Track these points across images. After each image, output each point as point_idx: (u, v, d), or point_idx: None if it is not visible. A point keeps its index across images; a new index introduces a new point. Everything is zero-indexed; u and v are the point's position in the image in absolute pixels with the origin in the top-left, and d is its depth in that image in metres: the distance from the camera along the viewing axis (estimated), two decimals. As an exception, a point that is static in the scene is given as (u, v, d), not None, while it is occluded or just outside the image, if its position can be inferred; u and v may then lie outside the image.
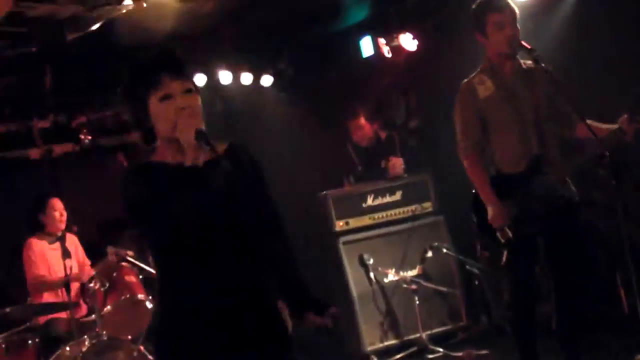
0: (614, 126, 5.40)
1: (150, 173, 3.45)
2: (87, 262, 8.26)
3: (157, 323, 3.57)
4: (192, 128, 3.32)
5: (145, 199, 3.34)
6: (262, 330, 3.49)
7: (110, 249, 7.71)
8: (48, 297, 7.71)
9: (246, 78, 9.37)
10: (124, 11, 6.81)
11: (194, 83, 3.50)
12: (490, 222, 5.55)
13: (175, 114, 3.36)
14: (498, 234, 5.59)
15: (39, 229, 7.95)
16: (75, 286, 7.58)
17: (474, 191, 5.79)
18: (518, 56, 5.67)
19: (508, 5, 5.65)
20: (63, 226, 7.97)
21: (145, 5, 6.63)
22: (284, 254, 3.71)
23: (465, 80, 5.80)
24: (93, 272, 7.64)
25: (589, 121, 5.51)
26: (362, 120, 9.15)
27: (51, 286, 7.70)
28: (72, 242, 8.12)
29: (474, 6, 5.79)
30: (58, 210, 7.97)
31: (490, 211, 5.56)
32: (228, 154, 3.48)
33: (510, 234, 5.55)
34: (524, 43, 5.51)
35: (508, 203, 5.53)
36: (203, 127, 3.36)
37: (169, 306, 3.50)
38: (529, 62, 5.63)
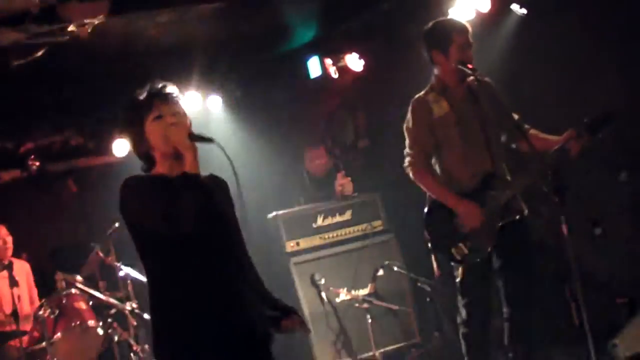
0: (561, 138, 5.48)
1: (153, 181, 3.94)
2: (35, 291, 8.18)
3: (156, 323, 3.91)
4: (184, 134, 3.86)
5: (150, 199, 3.80)
6: (250, 323, 3.95)
7: (59, 275, 7.65)
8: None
9: (193, 100, 9.33)
10: (68, 37, 6.76)
11: (182, 108, 4.03)
12: (467, 224, 5.59)
13: (166, 129, 3.88)
14: (453, 251, 5.64)
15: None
16: (24, 314, 7.50)
17: (425, 209, 5.84)
18: (468, 74, 5.72)
19: (469, 28, 5.73)
20: (9, 253, 7.90)
21: (89, 30, 6.60)
22: (254, 273, 4.27)
23: (418, 95, 5.86)
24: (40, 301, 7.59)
25: (535, 132, 5.60)
26: (321, 151, 9.20)
27: None
28: (23, 269, 8.04)
29: (434, 24, 5.83)
30: (1, 237, 7.89)
31: (463, 212, 5.61)
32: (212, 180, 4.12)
33: (465, 251, 5.61)
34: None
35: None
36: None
37: (168, 304, 3.87)
38: (473, 79, 5.69)
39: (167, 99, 3.99)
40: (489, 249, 5.65)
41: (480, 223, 5.57)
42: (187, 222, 3.74)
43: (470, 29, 5.76)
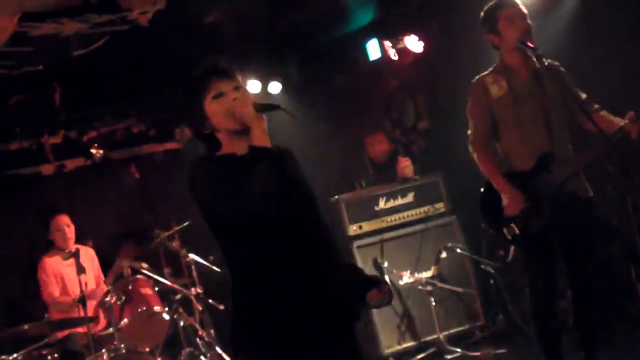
0: (623, 121, 5.41)
1: (221, 162, 3.76)
2: (102, 276, 8.28)
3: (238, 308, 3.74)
4: (249, 106, 3.67)
5: (220, 182, 3.64)
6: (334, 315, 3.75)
7: (124, 262, 7.74)
8: (65, 313, 7.74)
9: (254, 86, 9.36)
10: (128, 26, 6.81)
11: (240, 82, 3.86)
12: (506, 212, 5.60)
13: (230, 105, 3.71)
14: (505, 230, 5.64)
15: (50, 245, 7.99)
16: (92, 302, 7.60)
17: (482, 189, 5.84)
18: (530, 53, 5.67)
19: (517, 3, 5.70)
20: (72, 242, 7.98)
21: (149, 18, 6.65)
22: (333, 242, 4.05)
23: (477, 77, 5.86)
24: (107, 287, 7.68)
25: (605, 113, 5.54)
26: (381, 137, 9.20)
27: (64, 308, 7.74)
28: (88, 255, 8.13)
29: (484, 10, 5.83)
30: (63, 227, 7.98)
31: (505, 199, 5.61)
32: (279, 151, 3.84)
33: (517, 230, 5.60)
34: (527, 42, 5.53)
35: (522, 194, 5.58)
36: None
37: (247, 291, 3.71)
38: (541, 62, 5.65)
39: (225, 74, 3.83)
40: (541, 229, 5.62)
41: (521, 211, 5.56)
42: (258, 202, 3.56)
43: (519, 4, 5.72)
